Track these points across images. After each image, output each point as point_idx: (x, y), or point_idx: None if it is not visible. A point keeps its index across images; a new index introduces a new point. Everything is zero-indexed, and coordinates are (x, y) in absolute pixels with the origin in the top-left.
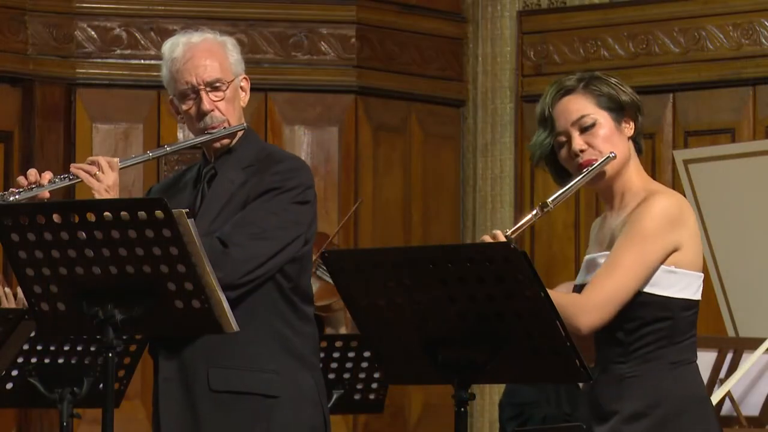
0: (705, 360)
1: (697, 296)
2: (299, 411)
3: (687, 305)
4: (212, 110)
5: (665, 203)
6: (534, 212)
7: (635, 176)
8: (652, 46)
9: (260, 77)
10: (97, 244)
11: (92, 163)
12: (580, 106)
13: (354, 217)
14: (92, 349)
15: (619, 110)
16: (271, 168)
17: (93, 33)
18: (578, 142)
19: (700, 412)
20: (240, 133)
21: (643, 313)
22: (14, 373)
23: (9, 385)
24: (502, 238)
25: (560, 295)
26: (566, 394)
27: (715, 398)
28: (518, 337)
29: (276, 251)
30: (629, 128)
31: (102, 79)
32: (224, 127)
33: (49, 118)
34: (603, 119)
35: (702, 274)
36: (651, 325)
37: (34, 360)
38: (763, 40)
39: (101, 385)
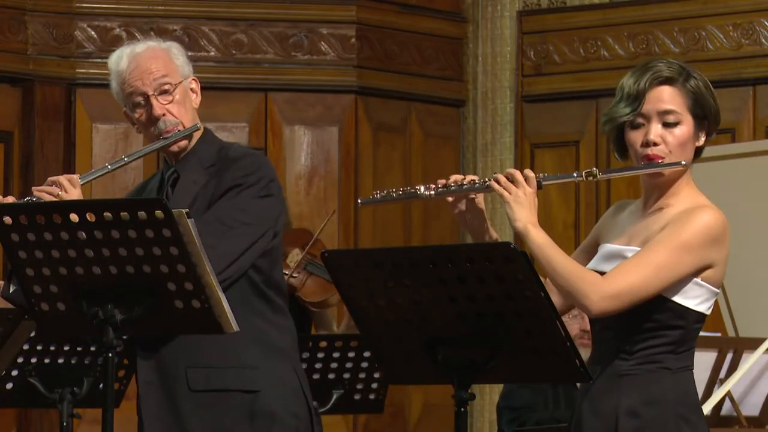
0: (705, 360)
1: (709, 311)
2: (282, 403)
3: (699, 318)
4: (164, 114)
5: (712, 219)
6: (575, 175)
7: (685, 183)
8: (652, 46)
9: (260, 77)
10: (97, 244)
11: (53, 183)
12: (674, 101)
13: (354, 217)
14: (92, 349)
15: (702, 118)
16: (231, 165)
17: (93, 33)
18: (656, 132)
19: (694, 417)
20: (198, 134)
21: (660, 316)
22: (14, 373)
23: (9, 385)
24: (533, 180)
25: (579, 267)
26: (565, 397)
27: (715, 398)
28: (518, 337)
29: (246, 247)
30: (701, 139)
31: (102, 79)
32: (178, 130)
33: (49, 118)
34: (687, 123)
35: (719, 291)
36: (663, 330)
37: (34, 360)
38: (763, 40)
39: (101, 385)
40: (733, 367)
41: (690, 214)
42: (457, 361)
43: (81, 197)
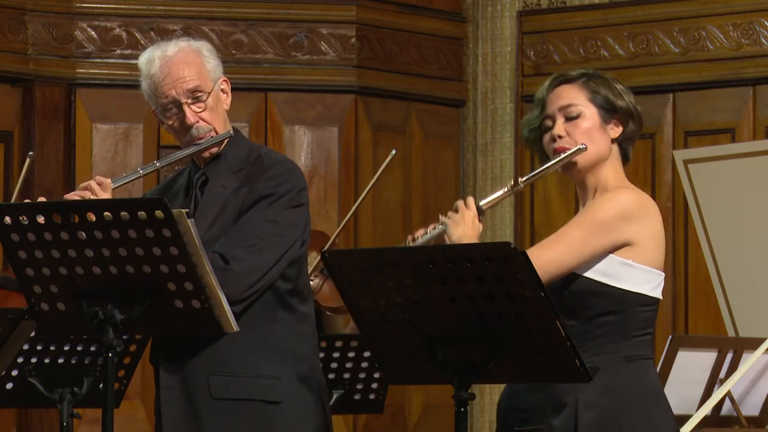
0: (705, 360)
1: (656, 294)
2: (301, 415)
3: (643, 301)
4: (197, 121)
5: (626, 198)
6: (505, 189)
7: (611, 176)
8: (652, 46)
9: (260, 77)
10: (97, 244)
11: (85, 188)
12: (572, 95)
13: (354, 217)
14: (92, 349)
15: (610, 111)
16: (263, 173)
17: (93, 33)
18: (559, 127)
19: (654, 406)
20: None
21: (597, 302)
22: (14, 373)
23: (9, 385)
24: (473, 206)
25: None
26: None
27: (715, 398)
28: (518, 337)
29: (276, 260)
30: (615, 131)
31: (102, 79)
32: (211, 136)
33: (49, 118)
34: (590, 113)
35: (663, 273)
36: (604, 316)
37: (34, 360)
38: (763, 40)
39: (101, 385)
40: (733, 367)
41: (607, 195)
42: (457, 361)
43: None
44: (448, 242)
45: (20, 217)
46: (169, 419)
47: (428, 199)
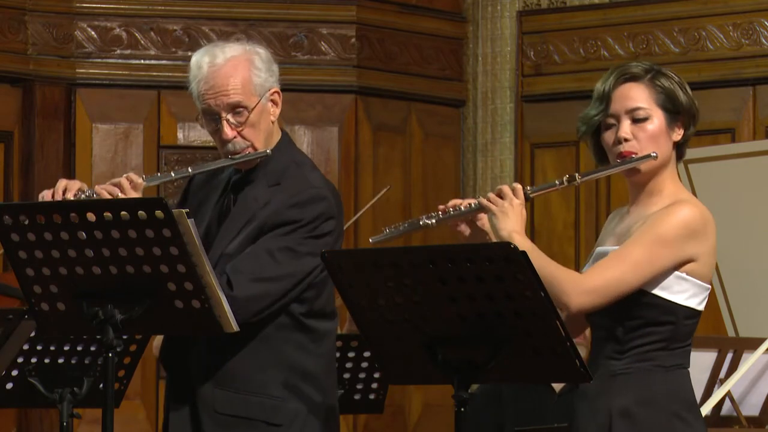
0: (705, 360)
1: (701, 307)
2: None
3: (690, 314)
4: (234, 137)
5: (690, 213)
6: (560, 181)
7: (669, 181)
8: (652, 46)
9: None
10: (97, 244)
11: (115, 185)
12: (639, 96)
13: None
14: (92, 349)
15: (674, 113)
16: (293, 197)
17: (93, 33)
18: (625, 130)
19: (690, 416)
20: (275, 139)
21: (647, 313)
22: (14, 373)
23: (9, 385)
24: (520, 191)
25: (558, 267)
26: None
27: (715, 398)
28: (518, 337)
29: (287, 289)
30: (678, 134)
31: (102, 79)
32: (247, 153)
33: (49, 118)
34: (657, 117)
35: (710, 287)
36: (652, 326)
37: (34, 360)
38: (763, 40)
39: (101, 385)
40: (733, 367)
41: (668, 209)
42: (457, 361)
43: None
44: (491, 230)
45: (20, 217)
46: (174, 428)
47: (428, 199)
